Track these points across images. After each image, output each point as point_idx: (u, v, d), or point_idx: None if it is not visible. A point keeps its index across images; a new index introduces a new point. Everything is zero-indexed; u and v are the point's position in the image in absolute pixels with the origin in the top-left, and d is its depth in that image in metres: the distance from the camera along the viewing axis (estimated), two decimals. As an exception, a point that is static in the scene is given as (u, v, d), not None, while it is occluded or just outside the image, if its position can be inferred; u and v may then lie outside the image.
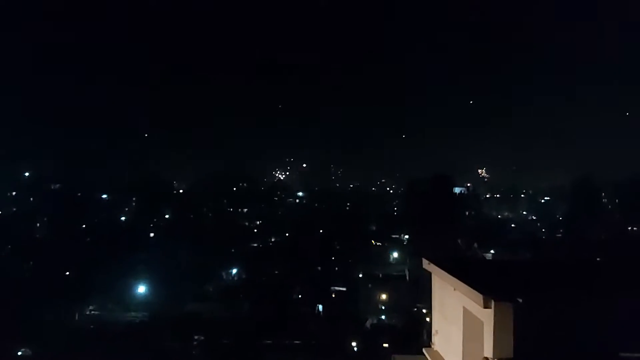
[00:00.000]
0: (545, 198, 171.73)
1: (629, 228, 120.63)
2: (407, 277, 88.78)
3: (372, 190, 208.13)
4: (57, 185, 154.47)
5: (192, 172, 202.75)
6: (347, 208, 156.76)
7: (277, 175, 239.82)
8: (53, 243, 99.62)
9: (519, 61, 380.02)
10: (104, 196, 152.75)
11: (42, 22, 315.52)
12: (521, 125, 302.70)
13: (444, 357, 12.75)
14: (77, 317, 76.83)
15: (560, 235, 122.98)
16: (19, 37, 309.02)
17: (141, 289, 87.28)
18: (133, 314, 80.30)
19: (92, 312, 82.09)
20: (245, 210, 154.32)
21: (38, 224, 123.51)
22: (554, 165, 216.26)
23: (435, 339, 13.43)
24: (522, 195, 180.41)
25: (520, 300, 9.24)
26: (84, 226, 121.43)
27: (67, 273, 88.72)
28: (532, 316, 9.34)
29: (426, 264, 13.29)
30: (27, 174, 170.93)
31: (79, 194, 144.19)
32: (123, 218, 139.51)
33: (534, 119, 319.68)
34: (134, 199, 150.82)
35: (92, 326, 72.04)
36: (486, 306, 9.37)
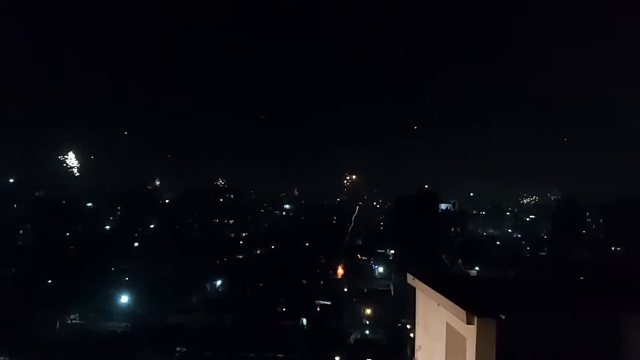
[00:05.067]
0: (531, 216, 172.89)
1: (612, 248, 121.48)
2: (392, 292, 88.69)
3: (359, 204, 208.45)
4: (42, 192, 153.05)
5: (179, 182, 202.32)
6: (334, 222, 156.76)
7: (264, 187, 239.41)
8: (36, 251, 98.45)
9: (505, 82, 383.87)
10: (89, 204, 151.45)
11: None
12: (508, 144, 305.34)
13: (427, 373, 12.76)
14: (58, 326, 75.83)
15: (544, 253, 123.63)
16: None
17: (124, 298, 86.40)
18: (115, 324, 79.51)
19: (74, 321, 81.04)
20: (232, 221, 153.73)
21: (21, 231, 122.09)
22: (540, 184, 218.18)
23: (418, 354, 13.43)
24: (508, 213, 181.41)
25: (503, 317, 9.31)
26: (67, 234, 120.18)
27: (50, 281, 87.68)
28: (515, 333, 9.41)
29: (410, 279, 13.32)
30: (11, 180, 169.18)
31: (64, 202, 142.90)
32: (107, 227, 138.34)
33: (521, 138, 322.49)
34: (119, 207, 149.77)
35: (73, 336, 71.06)
36: (469, 322, 9.44)
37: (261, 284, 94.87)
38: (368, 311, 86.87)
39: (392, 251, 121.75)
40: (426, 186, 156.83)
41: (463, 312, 9.55)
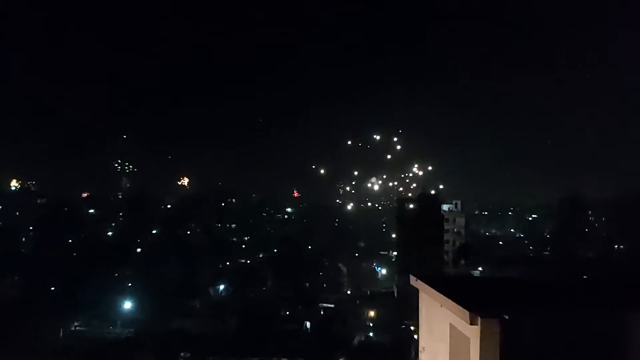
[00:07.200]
0: (533, 216, 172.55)
1: (615, 246, 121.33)
2: (395, 294, 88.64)
3: (360, 206, 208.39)
4: (44, 199, 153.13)
5: (180, 186, 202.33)
6: (336, 224, 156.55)
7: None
8: (39, 258, 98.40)
9: (507, 81, 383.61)
10: (91, 211, 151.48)
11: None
12: (509, 143, 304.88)
13: (431, 374, 12.72)
14: (62, 334, 75.83)
15: (547, 252, 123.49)
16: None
17: (127, 304, 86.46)
18: (119, 330, 79.52)
19: (78, 328, 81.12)
20: (234, 226, 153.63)
21: (23, 239, 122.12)
22: (542, 183, 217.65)
23: (422, 356, 13.39)
24: (510, 213, 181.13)
25: (507, 317, 9.27)
26: (70, 241, 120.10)
27: (53, 288, 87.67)
28: (518, 333, 9.37)
29: (413, 281, 13.27)
30: (13, 187, 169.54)
31: (66, 209, 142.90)
32: (110, 233, 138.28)
33: (523, 136, 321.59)
34: (121, 214, 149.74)
35: (77, 342, 71.05)
36: (472, 323, 9.39)
37: (264, 288, 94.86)
38: (372, 313, 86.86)
39: (395, 253, 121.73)
40: (427, 187, 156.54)
41: (466, 313, 9.51)
